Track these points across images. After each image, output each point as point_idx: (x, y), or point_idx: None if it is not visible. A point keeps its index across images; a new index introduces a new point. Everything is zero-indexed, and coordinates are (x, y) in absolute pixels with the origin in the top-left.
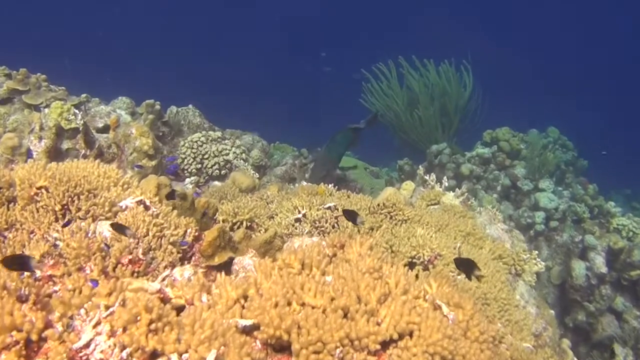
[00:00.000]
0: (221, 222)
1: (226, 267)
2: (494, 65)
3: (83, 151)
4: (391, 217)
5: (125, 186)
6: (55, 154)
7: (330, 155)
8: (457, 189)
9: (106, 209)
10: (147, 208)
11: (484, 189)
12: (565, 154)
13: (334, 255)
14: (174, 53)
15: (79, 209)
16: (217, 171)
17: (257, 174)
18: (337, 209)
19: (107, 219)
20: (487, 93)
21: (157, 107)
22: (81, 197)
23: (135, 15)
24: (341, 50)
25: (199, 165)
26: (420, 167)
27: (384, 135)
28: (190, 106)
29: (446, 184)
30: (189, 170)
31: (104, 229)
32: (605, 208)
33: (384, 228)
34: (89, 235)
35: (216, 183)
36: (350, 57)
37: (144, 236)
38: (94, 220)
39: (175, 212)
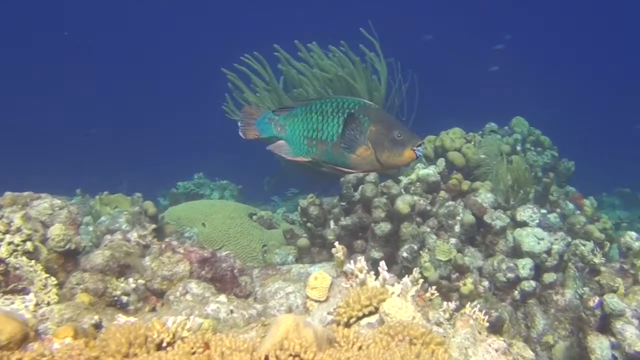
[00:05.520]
0: None
1: None
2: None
3: None
4: None
5: None
6: None
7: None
8: (405, 278)
9: None
10: None
11: (435, 231)
12: (541, 155)
13: None
14: None
15: None
16: None
17: (51, 298)
18: None
19: None
20: (422, 82)
21: None
22: None
23: None
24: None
25: None
26: (336, 245)
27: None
28: None
29: (386, 275)
30: None
31: None
32: (623, 243)
33: None
34: None
35: None
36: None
37: None
38: None
39: None
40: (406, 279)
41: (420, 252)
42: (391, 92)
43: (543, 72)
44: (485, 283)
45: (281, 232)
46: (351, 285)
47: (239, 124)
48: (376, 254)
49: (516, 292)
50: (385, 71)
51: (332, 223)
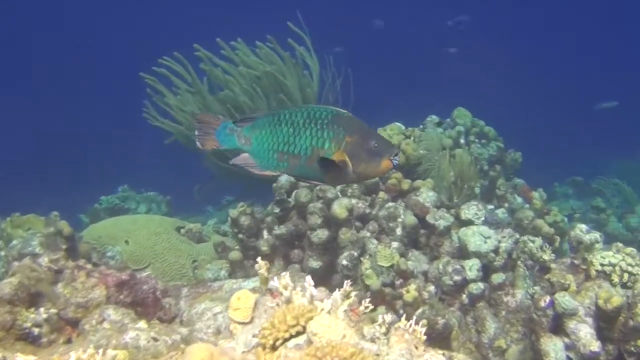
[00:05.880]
0: None
1: None
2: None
3: None
4: None
5: None
6: None
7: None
8: (335, 293)
9: None
10: None
11: (376, 236)
12: (486, 147)
13: None
14: None
15: None
16: None
17: None
18: None
19: None
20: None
21: None
22: None
23: None
24: None
25: None
26: (259, 261)
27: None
28: None
29: (313, 291)
30: None
31: None
32: (574, 237)
33: None
34: None
35: None
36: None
37: None
38: None
39: None
40: (336, 294)
41: (361, 258)
42: (324, 88)
43: (485, 59)
44: (431, 288)
45: (212, 245)
46: (277, 304)
47: (196, 132)
48: (314, 264)
49: (464, 295)
50: (317, 66)
51: (265, 233)
